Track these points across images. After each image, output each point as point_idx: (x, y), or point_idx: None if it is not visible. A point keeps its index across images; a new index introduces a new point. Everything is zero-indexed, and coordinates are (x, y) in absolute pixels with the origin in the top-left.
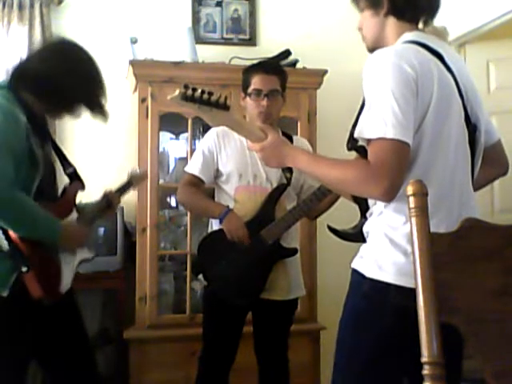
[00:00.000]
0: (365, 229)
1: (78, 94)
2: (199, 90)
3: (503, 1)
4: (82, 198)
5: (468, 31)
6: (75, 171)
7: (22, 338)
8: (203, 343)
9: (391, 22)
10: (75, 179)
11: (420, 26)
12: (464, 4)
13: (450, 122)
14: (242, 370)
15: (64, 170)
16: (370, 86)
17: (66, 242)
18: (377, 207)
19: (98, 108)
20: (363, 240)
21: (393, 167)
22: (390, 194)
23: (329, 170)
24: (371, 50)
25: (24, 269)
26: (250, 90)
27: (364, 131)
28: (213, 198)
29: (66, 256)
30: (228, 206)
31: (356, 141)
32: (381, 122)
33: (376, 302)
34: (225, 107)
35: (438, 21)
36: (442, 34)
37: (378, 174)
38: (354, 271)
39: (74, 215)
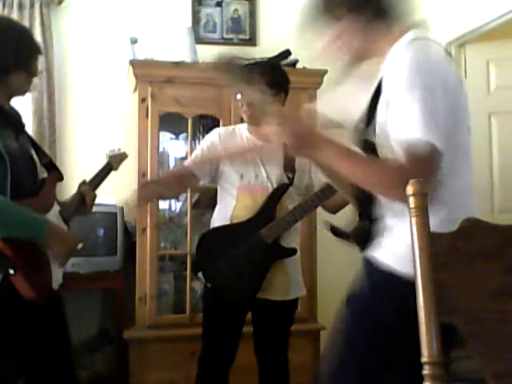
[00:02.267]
0: (384, 228)
1: (11, 57)
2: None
3: (503, 1)
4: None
5: (468, 31)
6: (51, 161)
7: (11, 338)
8: (203, 343)
9: (377, 25)
10: (52, 170)
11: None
12: (464, 4)
13: (465, 128)
14: (241, 369)
15: (40, 160)
16: (414, 84)
17: (52, 241)
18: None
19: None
20: (359, 243)
21: (432, 174)
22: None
23: (362, 170)
24: (354, 61)
25: (11, 271)
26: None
27: (408, 131)
28: (215, 197)
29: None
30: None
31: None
32: (428, 126)
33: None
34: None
35: (438, 21)
36: (429, 28)
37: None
38: (378, 267)
39: (56, 208)
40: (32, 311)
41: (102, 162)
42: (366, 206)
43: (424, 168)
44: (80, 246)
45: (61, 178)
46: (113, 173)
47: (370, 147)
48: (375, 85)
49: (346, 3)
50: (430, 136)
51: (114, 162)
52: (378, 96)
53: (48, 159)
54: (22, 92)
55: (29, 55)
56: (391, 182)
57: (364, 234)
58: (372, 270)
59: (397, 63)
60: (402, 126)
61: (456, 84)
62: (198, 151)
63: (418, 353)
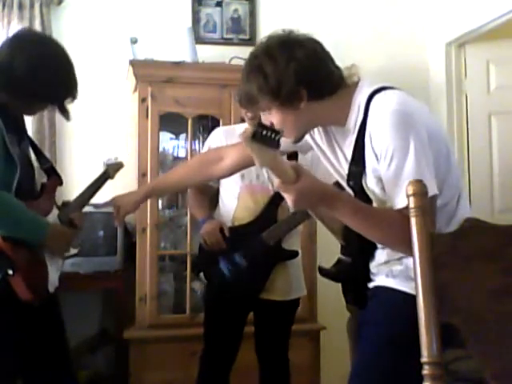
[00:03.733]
0: (396, 254)
1: (51, 91)
2: (269, 132)
3: (503, 1)
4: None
5: (468, 31)
6: (52, 166)
7: (6, 339)
8: (204, 343)
9: (316, 105)
10: (52, 174)
11: None
12: (464, 4)
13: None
14: (242, 369)
15: (41, 165)
16: (403, 142)
17: (53, 242)
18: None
19: (64, 105)
20: (339, 278)
21: (435, 224)
22: None
23: (372, 226)
24: (297, 140)
25: (10, 272)
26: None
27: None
28: (217, 197)
29: (51, 255)
30: (209, 214)
31: (358, 178)
32: (432, 177)
33: None
34: (277, 146)
35: (438, 21)
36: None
37: None
38: (401, 293)
39: (55, 212)
40: (28, 312)
41: (100, 167)
42: (352, 242)
43: (431, 221)
44: (75, 250)
45: (60, 182)
46: None
47: (363, 196)
48: (352, 138)
49: (278, 96)
50: (430, 189)
51: (111, 171)
52: (361, 145)
53: (49, 164)
54: (33, 114)
55: (65, 94)
56: (402, 240)
57: (345, 269)
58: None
59: (381, 115)
60: (400, 183)
61: (435, 125)
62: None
63: None
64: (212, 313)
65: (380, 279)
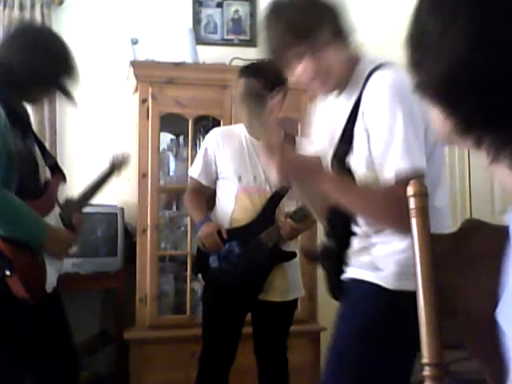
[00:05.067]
0: (366, 243)
1: (53, 79)
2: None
3: None
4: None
5: None
6: (56, 163)
7: (7, 337)
8: (203, 344)
9: (335, 48)
10: (56, 171)
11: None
12: None
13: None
14: (241, 370)
15: (45, 161)
16: (400, 112)
17: (52, 245)
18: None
19: (65, 87)
20: (323, 261)
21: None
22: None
23: (358, 199)
24: (328, 91)
25: (7, 273)
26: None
27: (406, 160)
28: (214, 198)
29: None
30: (206, 216)
31: (343, 159)
32: (418, 154)
33: (395, 314)
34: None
35: None
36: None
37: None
38: (370, 284)
39: (57, 210)
40: (28, 311)
41: (103, 163)
42: (337, 226)
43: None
44: (74, 248)
45: (64, 179)
46: None
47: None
48: (347, 111)
49: (320, 29)
50: (417, 161)
51: (116, 166)
52: (352, 122)
53: (53, 160)
54: (35, 103)
55: (62, 74)
56: (393, 215)
57: (329, 252)
58: (363, 288)
59: (376, 91)
60: (389, 155)
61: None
62: (200, 158)
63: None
64: (210, 314)
65: (351, 270)
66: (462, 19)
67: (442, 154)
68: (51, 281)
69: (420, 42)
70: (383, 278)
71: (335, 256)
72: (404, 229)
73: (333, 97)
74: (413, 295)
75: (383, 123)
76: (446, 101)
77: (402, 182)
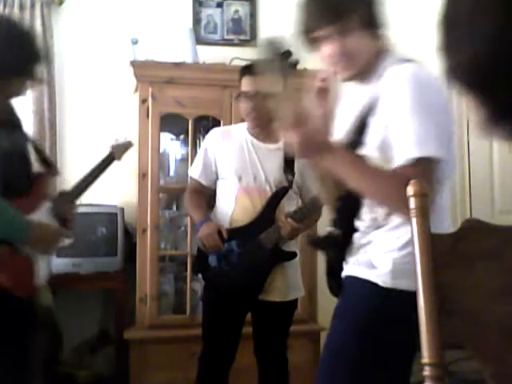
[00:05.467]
0: (365, 240)
1: (21, 68)
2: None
3: None
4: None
5: None
6: (46, 158)
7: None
8: (203, 344)
9: (363, 36)
10: (47, 166)
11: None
12: None
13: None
14: (241, 370)
15: (36, 156)
16: (417, 101)
17: (36, 243)
18: (393, 221)
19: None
20: (328, 249)
21: (433, 189)
22: None
23: (371, 182)
24: (352, 77)
25: None
26: (240, 92)
27: (414, 148)
28: (214, 198)
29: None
30: (206, 216)
31: (355, 146)
32: (434, 143)
33: (389, 312)
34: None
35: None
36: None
37: None
38: (366, 282)
39: (48, 205)
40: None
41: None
42: (345, 216)
43: (432, 184)
44: (68, 241)
45: (54, 173)
46: (113, 173)
47: None
48: (363, 102)
49: (357, 9)
50: (431, 150)
51: (116, 153)
52: (367, 112)
53: (43, 155)
54: (19, 95)
55: (29, 61)
56: (400, 198)
57: (335, 241)
58: (360, 286)
59: (394, 81)
60: (403, 141)
61: (448, 106)
62: (200, 159)
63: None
64: (210, 314)
65: (348, 268)
66: None
67: (454, 148)
68: (42, 273)
69: (452, 24)
70: (379, 275)
71: (340, 244)
72: (406, 211)
73: (354, 86)
74: (407, 294)
75: (400, 112)
76: (479, 85)
77: (414, 167)
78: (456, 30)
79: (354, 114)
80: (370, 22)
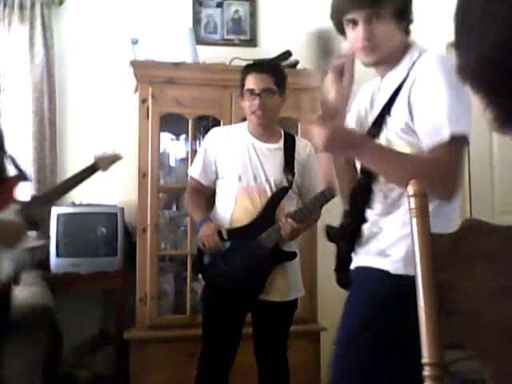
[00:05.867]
0: (376, 228)
1: None
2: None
3: None
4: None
5: None
6: (15, 162)
7: None
8: (203, 344)
9: (394, 26)
10: (16, 170)
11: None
12: None
13: None
14: (241, 370)
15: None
16: (445, 83)
17: None
18: (402, 206)
19: None
20: (342, 240)
21: (462, 169)
22: (455, 196)
23: (402, 164)
24: (380, 61)
25: None
26: (244, 90)
27: (448, 126)
28: (214, 198)
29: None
30: (206, 216)
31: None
32: (466, 122)
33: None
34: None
35: (438, 22)
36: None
37: (456, 174)
38: (377, 270)
39: (15, 208)
40: None
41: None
42: (358, 206)
43: (462, 163)
44: (40, 242)
45: (24, 178)
46: (113, 174)
47: None
48: (389, 91)
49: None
50: (462, 128)
51: (101, 163)
52: (392, 102)
53: (11, 159)
54: None
55: None
56: (437, 179)
57: (346, 233)
58: (374, 277)
59: (424, 66)
60: (434, 121)
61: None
62: (200, 158)
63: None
64: (210, 314)
65: (358, 259)
66: None
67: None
68: (7, 270)
69: (463, 21)
70: (391, 263)
71: (350, 235)
72: (448, 192)
73: (378, 79)
74: None
75: (432, 93)
76: (487, 85)
77: (448, 147)
78: (466, 28)
79: (377, 103)
80: (401, 15)
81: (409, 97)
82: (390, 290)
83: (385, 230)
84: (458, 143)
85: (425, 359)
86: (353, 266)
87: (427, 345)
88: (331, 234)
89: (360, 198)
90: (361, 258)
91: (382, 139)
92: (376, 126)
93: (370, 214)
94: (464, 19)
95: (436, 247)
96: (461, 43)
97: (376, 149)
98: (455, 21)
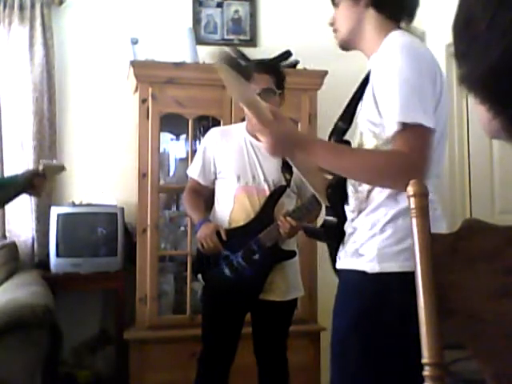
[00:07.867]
0: (350, 229)
1: None
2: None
3: None
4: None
5: None
6: None
7: None
8: (202, 344)
9: (371, 14)
10: None
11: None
12: None
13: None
14: (241, 370)
15: None
16: (400, 70)
17: None
18: (372, 203)
19: None
20: (329, 239)
21: (428, 158)
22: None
23: (355, 159)
24: (344, 44)
25: None
26: None
27: (400, 115)
28: (213, 198)
29: None
30: (205, 217)
31: (342, 134)
32: (419, 109)
33: (383, 296)
34: (248, 75)
35: (438, 22)
36: (421, 37)
37: (416, 164)
38: (354, 272)
39: None
40: None
41: (106, 166)
42: (336, 202)
43: (424, 152)
44: None
45: None
46: (113, 174)
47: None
48: (360, 80)
49: None
50: (423, 118)
51: (47, 171)
52: (362, 90)
53: None
54: None
55: None
56: (394, 170)
57: (333, 230)
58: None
59: (385, 52)
60: (394, 110)
61: (441, 80)
62: (199, 158)
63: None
64: (210, 314)
65: (339, 262)
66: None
67: (445, 109)
68: None
69: (467, 30)
70: (366, 263)
71: (337, 231)
72: (401, 184)
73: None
74: (396, 275)
75: (386, 79)
76: (494, 96)
77: (400, 136)
78: (471, 37)
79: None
80: (380, 3)
81: (373, 87)
82: (371, 290)
83: (358, 230)
84: (413, 131)
85: (425, 359)
86: (337, 267)
87: (427, 345)
88: (311, 232)
89: (337, 194)
90: (341, 261)
91: (357, 133)
92: (345, 120)
93: (347, 210)
94: (468, 30)
95: (436, 247)
96: (464, 54)
97: (326, 147)
98: (456, 30)
